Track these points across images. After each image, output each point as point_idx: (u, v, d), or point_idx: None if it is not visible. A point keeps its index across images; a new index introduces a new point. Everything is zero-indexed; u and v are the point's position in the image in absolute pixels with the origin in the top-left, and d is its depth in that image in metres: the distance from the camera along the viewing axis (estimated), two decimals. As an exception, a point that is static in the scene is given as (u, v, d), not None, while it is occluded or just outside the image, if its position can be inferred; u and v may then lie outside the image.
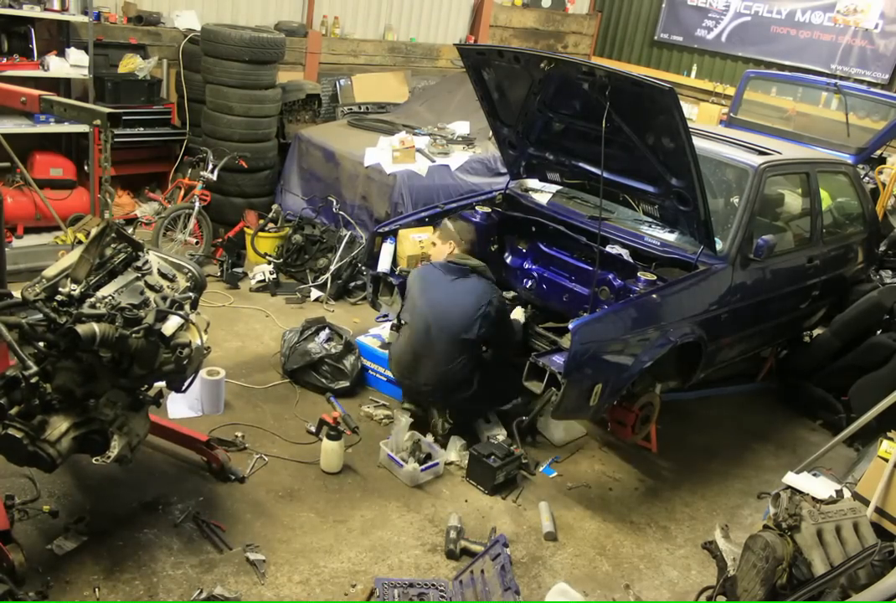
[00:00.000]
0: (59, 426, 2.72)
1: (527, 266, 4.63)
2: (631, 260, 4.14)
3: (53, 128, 5.86)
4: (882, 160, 6.70)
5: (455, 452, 3.99)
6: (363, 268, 5.31)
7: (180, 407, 4.08)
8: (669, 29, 9.94)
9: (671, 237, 4.29)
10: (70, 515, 3.27)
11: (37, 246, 5.60)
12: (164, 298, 2.99)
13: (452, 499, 3.77)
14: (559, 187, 4.77)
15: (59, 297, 2.72)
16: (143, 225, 5.83)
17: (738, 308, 4.17)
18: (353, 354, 4.49)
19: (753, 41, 9.16)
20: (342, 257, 5.58)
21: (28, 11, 5.41)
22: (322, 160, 6.23)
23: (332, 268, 5.54)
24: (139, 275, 2.99)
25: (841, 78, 7.73)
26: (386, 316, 4.84)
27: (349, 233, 5.90)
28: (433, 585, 3.14)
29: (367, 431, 4.15)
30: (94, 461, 2.85)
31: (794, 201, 5.00)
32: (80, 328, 2.61)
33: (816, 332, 5.43)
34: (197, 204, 5.77)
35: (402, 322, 4.09)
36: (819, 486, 3.38)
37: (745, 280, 4.21)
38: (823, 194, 4.93)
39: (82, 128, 5.88)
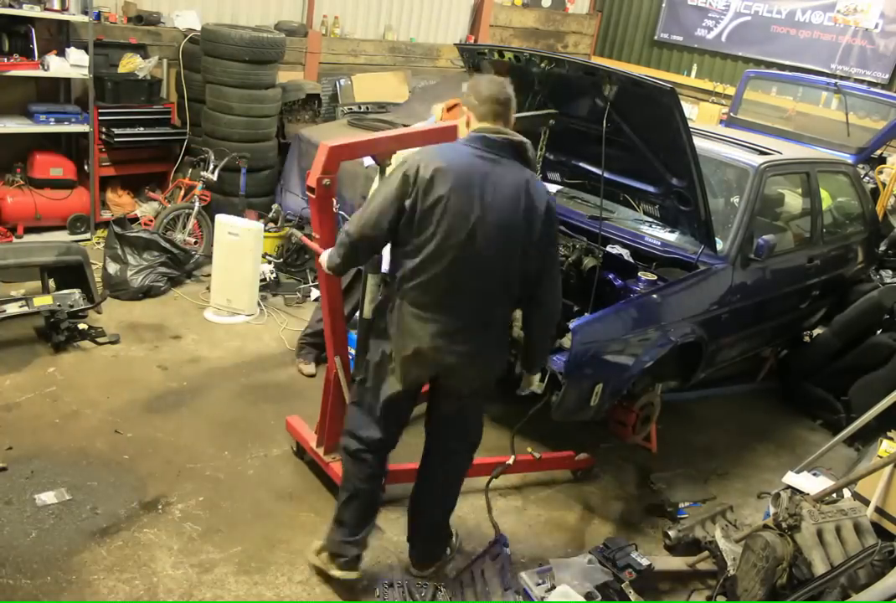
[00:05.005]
0: None
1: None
2: (631, 260, 4.14)
3: (53, 128, 5.86)
4: (882, 160, 6.70)
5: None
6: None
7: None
8: (669, 29, 9.94)
9: (672, 237, 4.29)
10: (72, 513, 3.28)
11: (29, 242, 5.62)
12: None
13: (452, 499, 3.77)
14: (559, 187, 4.77)
15: None
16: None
17: (738, 308, 4.17)
18: None
19: (753, 41, 9.16)
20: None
21: (28, 11, 5.40)
22: (322, 160, 6.23)
23: (332, 268, 5.54)
24: None
25: (841, 78, 7.73)
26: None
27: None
28: (433, 585, 3.14)
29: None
30: None
31: (794, 201, 5.00)
32: None
33: (816, 332, 5.43)
34: (197, 204, 5.78)
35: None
36: (819, 485, 3.39)
37: (746, 280, 4.21)
38: (823, 194, 4.93)
39: (82, 128, 5.88)
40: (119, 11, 6.53)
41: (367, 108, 7.53)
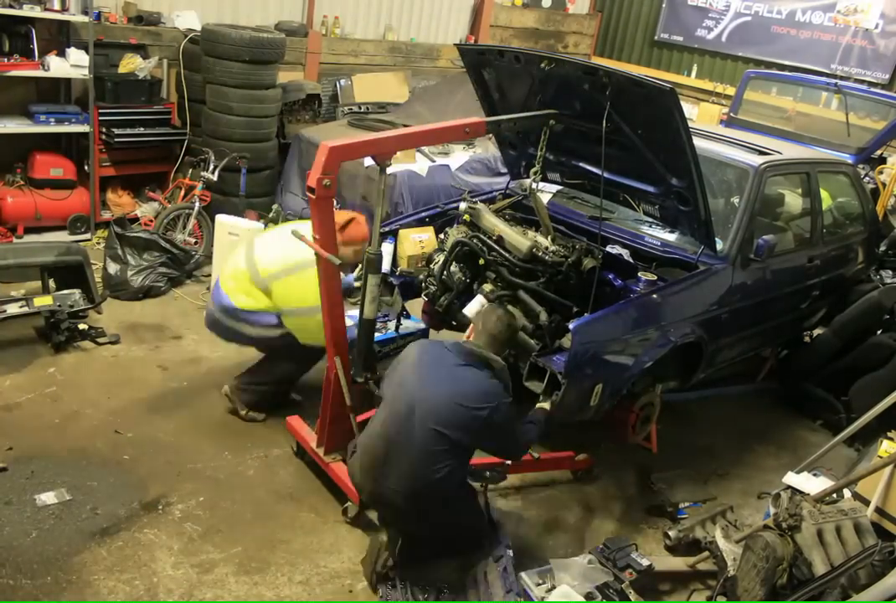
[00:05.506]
0: None
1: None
2: (631, 260, 4.14)
3: (53, 128, 5.86)
4: (882, 160, 6.70)
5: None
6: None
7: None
8: (669, 29, 9.94)
9: (671, 237, 4.29)
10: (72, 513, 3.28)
11: (29, 242, 5.63)
12: None
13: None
14: (559, 187, 4.77)
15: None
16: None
17: (738, 308, 4.17)
18: None
19: (753, 41, 9.15)
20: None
21: (28, 11, 5.40)
22: (322, 160, 6.23)
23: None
24: None
25: (841, 78, 7.72)
26: (386, 316, 4.84)
27: (349, 233, 5.90)
28: (436, 586, 3.13)
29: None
30: None
31: (794, 201, 4.99)
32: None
33: (816, 332, 5.43)
34: (197, 204, 5.78)
35: (379, 395, 3.24)
36: (819, 486, 3.38)
37: (746, 280, 4.20)
38: (823, 194, 4.93)
39: (82, 128, 5.89)
40: (119, 11, 6.53)
41: (368, 109, 7.54)
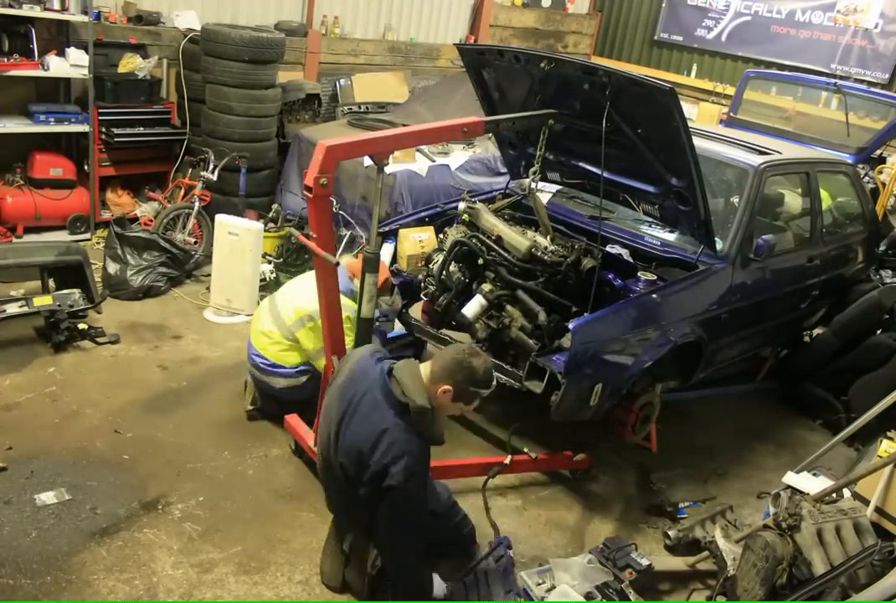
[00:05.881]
0: None
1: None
2: (631, 260, 4.14)
3: (53, 128, 5.86)
4: (882, 160, 6.70)
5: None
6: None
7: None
8: (669, 29, 9.94)
9: (671, 237, 4.29)
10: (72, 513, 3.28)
11: (29, 242, 5.63)
12: None
13: (452, 499, 3.77)
14: (559, 187, 4.77)
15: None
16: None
17: (738, 308, 4.17)
18: None
19: (753, 41, 9.16)
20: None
21: (28, 11, 5.40)
22: (322, 160, 6.23)
23: (332, 267, 5.53)
24: None
25: (841, 78, 7.72)
26: (385, 316, 4.83)
27: (349, 233, 5.90)
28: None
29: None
30: None
31: (794, 201, 5.00)
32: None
33: (816, 332, 5.43)
34: (196, 204, 5.78)
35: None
36: (819, 485, 3.39)
37: (746, 280, 4.21)
38: (823, 194, 4.93)
39: (82, 128, 5.89)
40: (119, 11, 6.53)
41: (367, 108, 7.54)
